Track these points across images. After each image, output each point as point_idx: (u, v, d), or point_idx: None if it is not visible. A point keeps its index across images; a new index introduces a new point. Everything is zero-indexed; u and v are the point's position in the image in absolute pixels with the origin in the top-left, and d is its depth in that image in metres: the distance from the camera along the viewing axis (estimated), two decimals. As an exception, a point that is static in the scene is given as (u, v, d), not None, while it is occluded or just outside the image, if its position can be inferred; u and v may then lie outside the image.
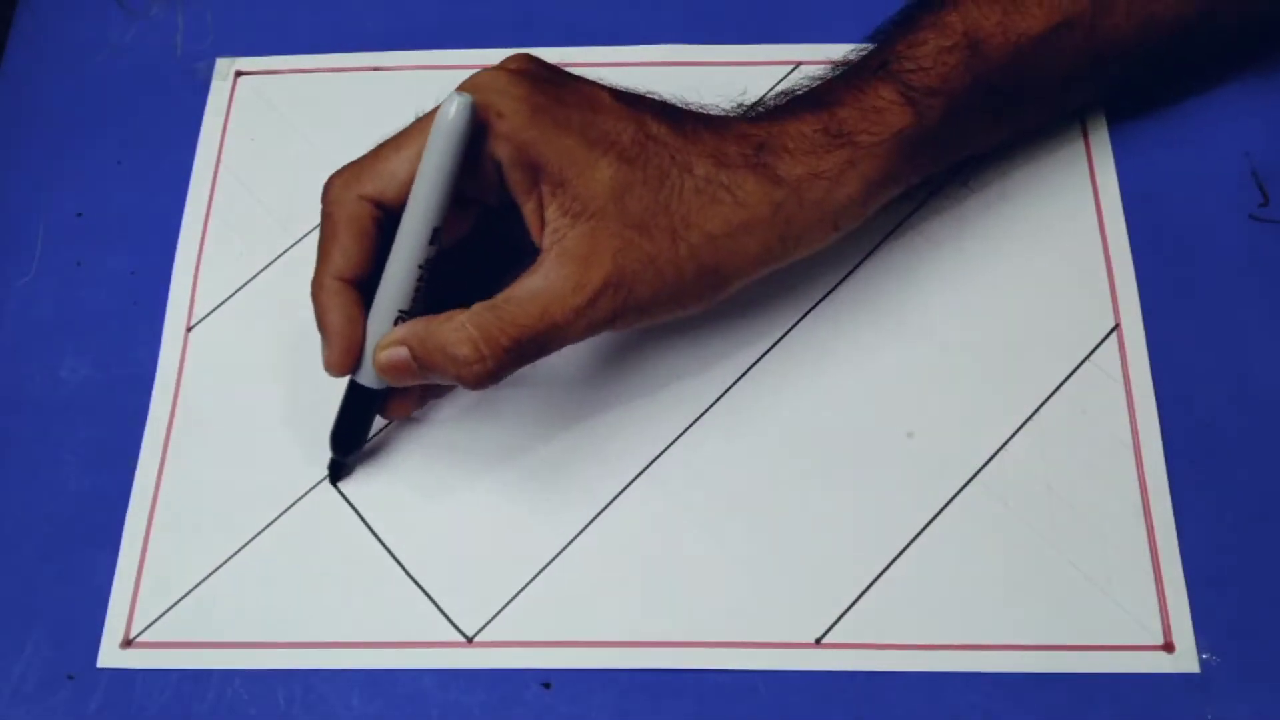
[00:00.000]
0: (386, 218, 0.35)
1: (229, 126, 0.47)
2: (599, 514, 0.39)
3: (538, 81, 0.35)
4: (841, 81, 0.38)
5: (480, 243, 0.38)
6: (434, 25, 0.48)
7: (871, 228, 0.43)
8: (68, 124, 0.47)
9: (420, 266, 0.35)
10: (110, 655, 0.38)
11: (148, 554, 0.39)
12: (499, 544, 0.39)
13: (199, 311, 0.43)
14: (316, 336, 0.42)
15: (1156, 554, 0.38)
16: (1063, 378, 0.40)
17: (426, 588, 0.38)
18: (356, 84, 0.47)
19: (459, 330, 0.34)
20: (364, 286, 0.36)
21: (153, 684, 0.37)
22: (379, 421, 0.40)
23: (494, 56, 0.47)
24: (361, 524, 0.39)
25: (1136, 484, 0.39)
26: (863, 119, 0.36)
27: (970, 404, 0.40)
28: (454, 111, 0.32)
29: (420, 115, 0.36)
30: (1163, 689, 0.36)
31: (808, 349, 0.41)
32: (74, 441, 0.41)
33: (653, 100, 0.37)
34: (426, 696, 0.37)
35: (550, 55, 0.46)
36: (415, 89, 0.46)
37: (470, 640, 0.38)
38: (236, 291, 0.43)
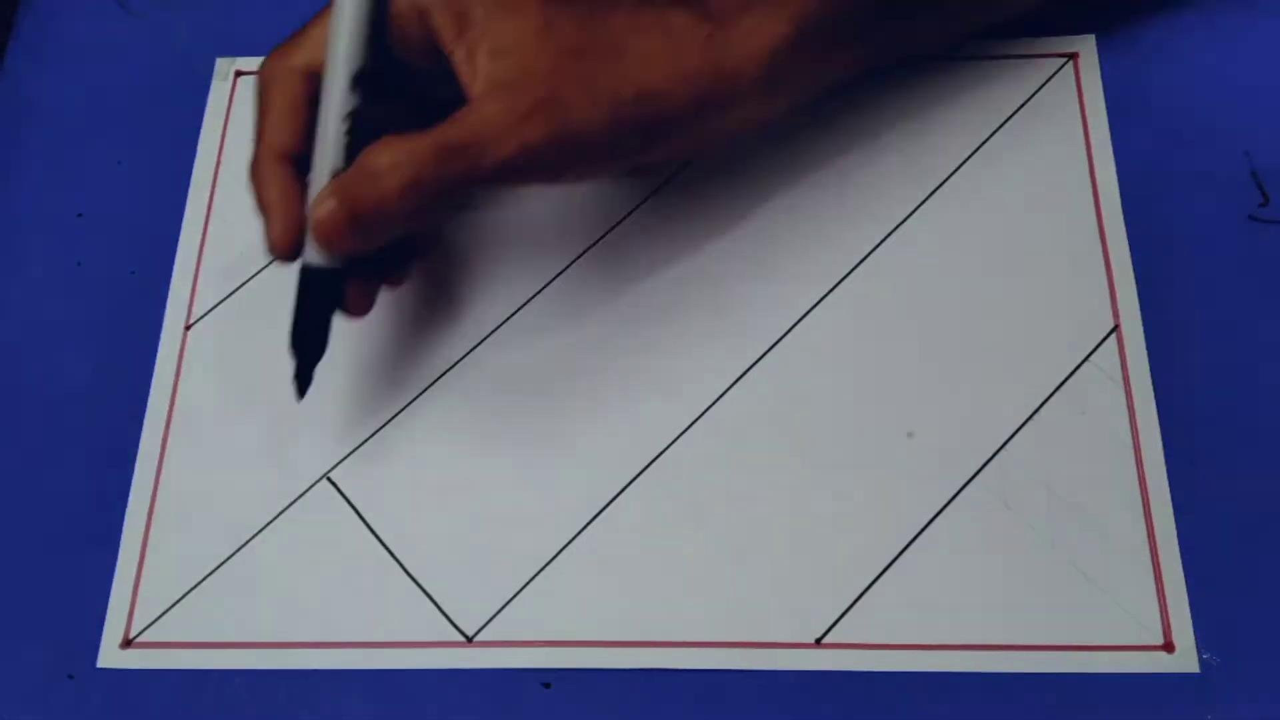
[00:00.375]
0: (319, 89, 0.34)
1: (229, 126, 0.47)
2: (599, 514, 0.39)
3: None
4: None
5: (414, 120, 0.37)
6: (434, 25, 0.48)
7: (871, 228, 0.43)
8: (68, 124, 0.47)
9: (347, 117, 0.33)
10: (110, 655, 0.38)
11: (147, 554, 0.39)
12: (499, 544, 0.39)
13: (198, 310, 0.43)
14: (316, 336, 0.42)
15: (1156, 554, 0.38)
16: (1063, 378, 0.40)
17: (426, 588, 0.38)
18: (356, 84, 0.47)
19: (380, 147, 0.33)
20: (302, 164, 0.35)
21: (153, 684, 0.38)
22: (379, 418, 0.41)
23: (494, 57, 0.47)
24: (361, 524, 0.39)
25: (1136, 484, 0.39)
26: None
27: (970, 404, 0.40)
28: None
29: None
30: (1163, 689, 0.36)
31: (808, 349, 0.41)
32: (73, 441, 0.41)
33: None
34: (426, 696, 0.37)
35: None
36: (415, 89, 0.47)
37: (470, 640, 0.38)
38: (236, 290, 0.43)
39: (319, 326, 0.36)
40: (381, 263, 0.37)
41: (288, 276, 0.43)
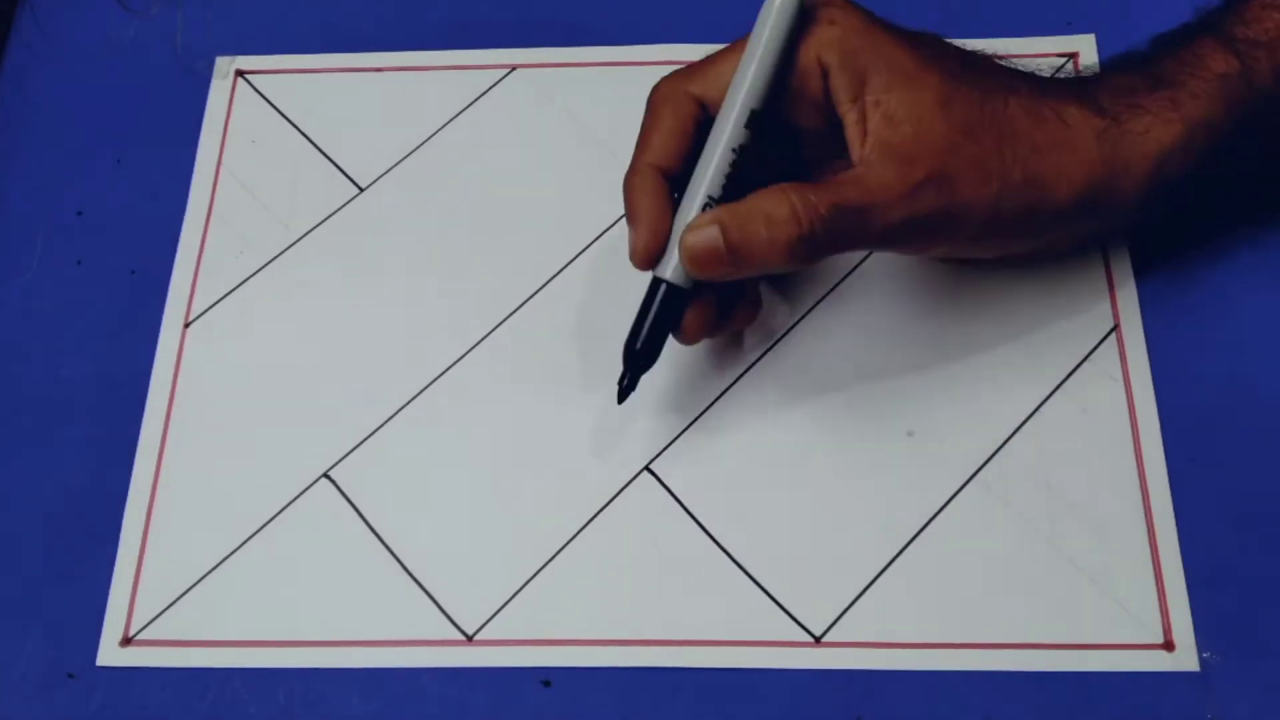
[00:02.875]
0: (707, 120, 0.35)
1: (229, 126, 0.47)
2: (599, 513, 0.39)
3: (864, 10, 0.35)
4: (1158, 45, 0.37)
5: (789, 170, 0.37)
6: (434, 25, 0.48)
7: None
8: (68, 123, 0.47)
9: (734, 150, 0.34)
10: (110, 654, 0.38)
11: (146, 552, 0.39)
12: (499, 542, 0.39)
13: (197, 308, 0.43)
14: (314, 336, 0.42)
15: (1156, 554, 0.38)
16: (1062, 378, 0.40)
17: (426, 586, 0.38)
18: (357, 84, 0.47)
19: (775, 194, 0.33)
20: (675, 182, 0.35)
21: (152, 683, 0.37)
22: (379, 416, 0.41)
23: (495, 57, 0.47)
24: (361, 523, 0.39)
25: (1136, 484, 0.39)
26: (1182, 67, 0.36)
27: (970, 404, 0.40)
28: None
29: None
30: (1163, 688, 0.36)
31: (808, 349, 0.41)
32: (73, 440, 0.41)
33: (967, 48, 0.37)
34: (426, 695, 0.37)
35: (551, 55, 0.47)
36: (416, 89, 0.47)
37: (470, 638, 0.38)
38: (235, 289, 0.43)
39: (656, 339, 0.36)
40: (724, 295, 0.37)
41: (288, 276, 0.43)
